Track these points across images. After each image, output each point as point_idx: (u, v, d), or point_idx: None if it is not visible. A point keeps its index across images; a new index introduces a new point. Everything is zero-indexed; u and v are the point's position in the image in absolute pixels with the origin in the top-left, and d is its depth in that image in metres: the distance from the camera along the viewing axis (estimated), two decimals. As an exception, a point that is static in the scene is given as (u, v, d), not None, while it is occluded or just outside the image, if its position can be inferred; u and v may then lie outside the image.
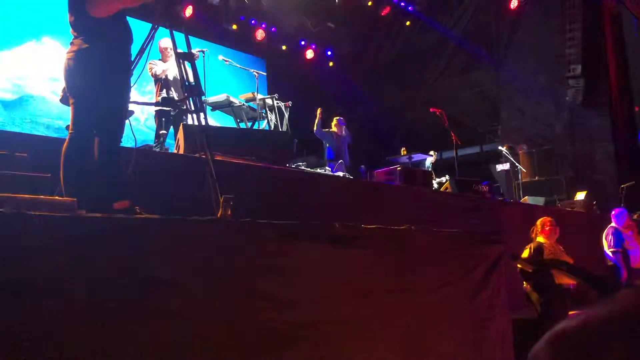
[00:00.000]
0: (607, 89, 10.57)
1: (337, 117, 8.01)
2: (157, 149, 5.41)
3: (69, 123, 2.68)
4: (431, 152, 8.69)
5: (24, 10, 8.01)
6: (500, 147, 10.08)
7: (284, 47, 12.01)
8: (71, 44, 2.69)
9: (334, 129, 7.86)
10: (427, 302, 2.85)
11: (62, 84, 2.81)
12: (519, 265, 4.59)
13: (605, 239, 6.19)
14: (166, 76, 5.80)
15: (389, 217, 4.37)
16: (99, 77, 2.60)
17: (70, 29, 2.71)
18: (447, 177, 8.22)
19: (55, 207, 2.03)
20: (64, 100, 2.83)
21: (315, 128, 7.59)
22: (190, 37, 3.22)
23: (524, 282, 4.73)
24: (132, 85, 2.84)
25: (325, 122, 7.94)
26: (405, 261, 2.78)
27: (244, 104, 6.13)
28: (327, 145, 7.81)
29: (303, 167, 6.33)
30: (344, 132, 7.87)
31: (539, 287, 4.52)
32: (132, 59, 2.89)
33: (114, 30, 2.70)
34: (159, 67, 5.74)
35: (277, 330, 2.06)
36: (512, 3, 11.03)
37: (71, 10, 2.69)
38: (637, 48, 11.33)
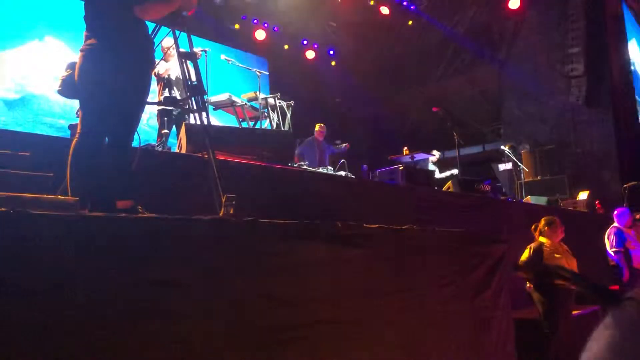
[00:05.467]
0: (610, 88, 10.54)
1: (320, 124, 7.87)
2: (160, 148, 5.41)
3: (72, 122, 2.66)
4: (434, 152, 8.68)
5: (26, 9, 8.02)
6: (502, 147, 10.05)
7: (286, 47, 12.00)
8: (85, 39, 2.65)
9: (314, 134, 7.75)
10: (429, 302, 2.85)
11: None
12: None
13: (608, 238, 6.19)
14: (168, 75, 5.81)
15: (391, 216, 4.37)
16: (103, 75, 2.55)
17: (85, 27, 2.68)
18: (453, 171, 8.20)
19: (58, 206, 2.03)
20: (62, 91, 2.79)
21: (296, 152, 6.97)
22: (192, 37, 3.21)
23: (527, 282, 4.73)
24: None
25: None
26: (407, 260, 2.78)
27: (246, 103, 6.13)
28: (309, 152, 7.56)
29: (305, 167, 6.33)
30: (323, 139, 7.73)
31: (541, 287, 4.51)
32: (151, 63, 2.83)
33: (126, 31, 2.65)
34: (161, 67, 5.75)
35: (278, 329, 2.06)
36: (514, 3, 10.99)
37: (85, 7, 2.66)
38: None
